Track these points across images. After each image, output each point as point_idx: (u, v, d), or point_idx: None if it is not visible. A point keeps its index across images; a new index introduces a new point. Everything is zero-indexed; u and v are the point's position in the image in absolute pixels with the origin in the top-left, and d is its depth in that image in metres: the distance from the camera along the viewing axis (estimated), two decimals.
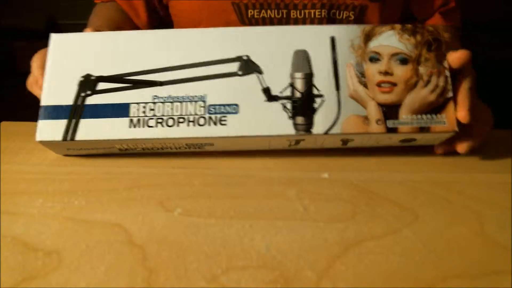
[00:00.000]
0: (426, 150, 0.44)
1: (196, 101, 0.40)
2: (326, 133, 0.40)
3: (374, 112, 0.39)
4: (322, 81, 0.40)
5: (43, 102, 0.41)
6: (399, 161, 0.43)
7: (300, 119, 0.40)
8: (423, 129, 0.39)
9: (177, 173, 0.41)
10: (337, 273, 0.31)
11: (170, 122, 0.40)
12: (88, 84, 0.41)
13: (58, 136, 0.40)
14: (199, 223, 0.36)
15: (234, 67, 0.41)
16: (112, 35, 0.43)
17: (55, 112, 0.41)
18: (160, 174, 0.41)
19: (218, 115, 0.40)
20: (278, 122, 0.40)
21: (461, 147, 0.42)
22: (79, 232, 0.35)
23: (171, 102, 0.40)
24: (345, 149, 0.43)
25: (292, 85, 0.40)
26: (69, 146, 0.42)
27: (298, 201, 0.38)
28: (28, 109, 0.46)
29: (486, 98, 0.45)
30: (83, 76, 0.41)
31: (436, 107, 0.40)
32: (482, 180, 0.40)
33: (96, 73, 0.41)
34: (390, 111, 0.39)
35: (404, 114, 0.40)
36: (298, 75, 0.40)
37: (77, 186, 0.39)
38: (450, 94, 0.40)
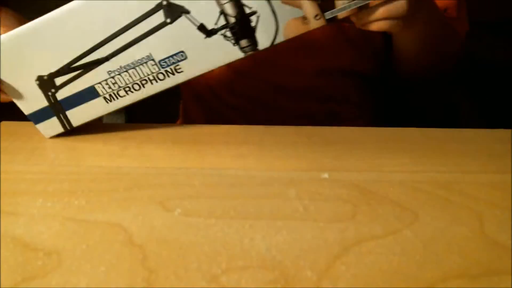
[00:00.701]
0: (426, 150, 0.44)
1: (146, 62, 0.41)
2: (271, 45, 0.40)
3: (310, 9, 0.38)
4: None
5: (26, 112, 0.43)
6: (399, 161, 0.43)
7: (244, 42, 0.40)
8: (361, 8, 0.39)
9: (177, 173, 0.41)
10: (337, 273, 0.31)
11: (136, 87, 0.42)
12: (46, 83, 0.41)
13: (60, 129, 0.43)
14: (199, 223, 0.36)
15: (160, 16, 0.39)
16: (35, 27, 0.41)
17: (41, 115, 0.42)
18: (160, 174, 0.41)
19: (172, 66, 0.41)
20: (226, 51, 0.40)
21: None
22: (79, 232, 0.35)
23: (126, 71, 0.41)
24: (345, 149, 0.43)
25: (223, 13, 0.39)
26: (76, 128, 0.44)
27: (298, 201, 0.38)
28: None
29: (486, 98, 0.44)
30: (36, 80, 0.41)
31: None
32: (482, 180, 0.40)
33: (45, 72, 0.41)
34: (325, 2, 0.39)
35: (339, 0, 0.38)
36: (224, 0, 0.39)
37: (77, 186, 0.39)
38: None
